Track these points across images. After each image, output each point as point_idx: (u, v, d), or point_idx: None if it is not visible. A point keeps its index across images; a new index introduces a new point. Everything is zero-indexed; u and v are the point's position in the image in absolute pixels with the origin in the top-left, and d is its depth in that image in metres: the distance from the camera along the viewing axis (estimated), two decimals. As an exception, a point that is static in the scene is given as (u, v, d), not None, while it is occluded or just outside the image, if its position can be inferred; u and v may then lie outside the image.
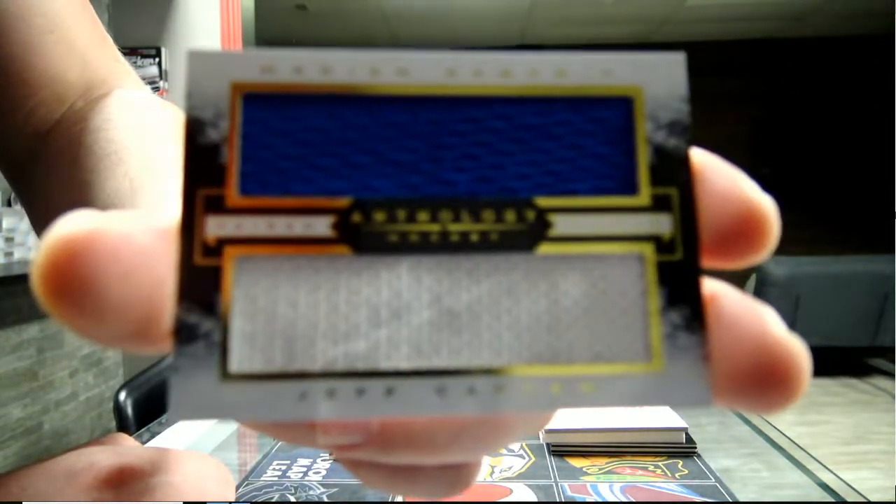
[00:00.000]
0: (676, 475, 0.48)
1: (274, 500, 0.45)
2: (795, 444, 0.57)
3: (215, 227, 0.12)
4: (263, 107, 0.13)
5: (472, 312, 0.12)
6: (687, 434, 0.53)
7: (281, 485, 0.47)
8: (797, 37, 4.33)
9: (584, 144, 0.13)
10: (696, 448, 0.53)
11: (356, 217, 0.12)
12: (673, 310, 0.12)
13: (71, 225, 0.11)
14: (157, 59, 2.04)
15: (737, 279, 3.94)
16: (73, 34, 0.33)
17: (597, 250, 0.13)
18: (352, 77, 0.13)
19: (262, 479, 0.49)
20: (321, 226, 0.12)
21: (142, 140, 0.26)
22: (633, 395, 0.12)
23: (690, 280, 0.12)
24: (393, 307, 0.12)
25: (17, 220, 1.72)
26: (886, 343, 2.95)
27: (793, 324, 2.98)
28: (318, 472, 0.49)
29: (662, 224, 0.13)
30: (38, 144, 0.32)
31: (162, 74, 2.04)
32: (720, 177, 0.13)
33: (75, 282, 0.11)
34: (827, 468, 0.52)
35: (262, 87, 0.13)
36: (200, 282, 0.12)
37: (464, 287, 0.13)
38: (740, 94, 4.44)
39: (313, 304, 0.12)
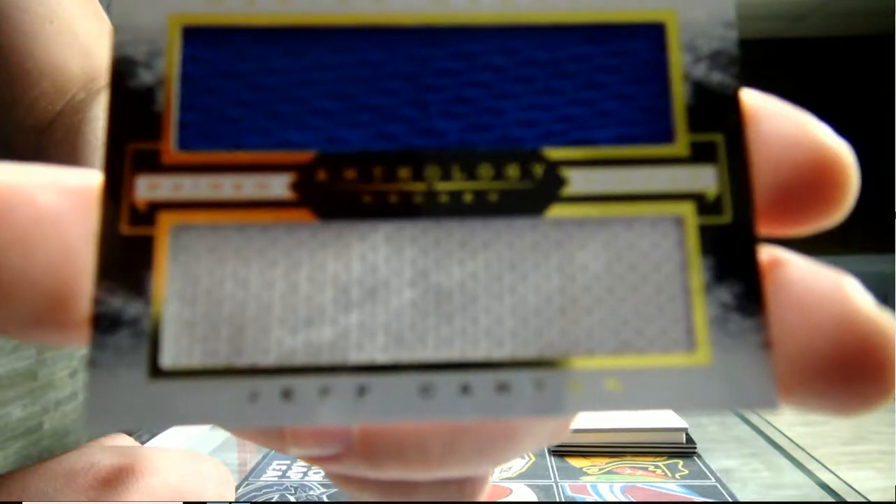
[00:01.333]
0: (677, 475, 0.48)
1: (274, 500, 0.45)
2: (795, 444, 0.57)
3: (147, 188, 0.10)
4: (209, 43, 0.11)
5: (466, 292, 0.10)
6: (687, 434, 0.53)
7: (281, 485, 0.47)
8: (797, 37, 4.33)
9: (605, 83, 0.11)
10: (696, 448, 0.53)
11: (321, 174, 0.10)
12: (721, 286, 0.10)
13: None
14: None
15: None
16: (75, 24, 0.33)
17: (623, 212, 0.10)
18: (316, 6, 0.11)
19: (261, 479, 0.49)
20: (278, 186, 0.10)
21: None
22: (672, 394, 0.10)
23: (744, 247, 0.10)
24: (367, 286, 0.10)
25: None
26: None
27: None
28: (319, 473, 0.49)
29: (705, 178, 0.10)
30: (40, 136, 0.32)
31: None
32: (780, 118, 0.10)
33: None
34: (827, 468, 0.52)
35: (208, 20, 0.11)
36: (127, 255, 0.10)
37: (456, 260, 0.10)
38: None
39: (268, 284, 0.10)
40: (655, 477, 0.48)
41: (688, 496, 0.44)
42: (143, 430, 0.10)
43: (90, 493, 0.22)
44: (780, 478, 0.51)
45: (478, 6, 0.11)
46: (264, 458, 0.52)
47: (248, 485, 0.47)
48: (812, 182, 0.10)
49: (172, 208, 0.10)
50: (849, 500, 0.47)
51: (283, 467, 0.50)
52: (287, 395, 0.10)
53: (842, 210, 0.10)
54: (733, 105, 0.11)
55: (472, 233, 0.10)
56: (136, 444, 0.25)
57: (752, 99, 0.11)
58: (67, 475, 0.22)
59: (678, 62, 0.11)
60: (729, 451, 0.56)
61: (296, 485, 0.47)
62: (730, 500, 0.44)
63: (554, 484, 0.47)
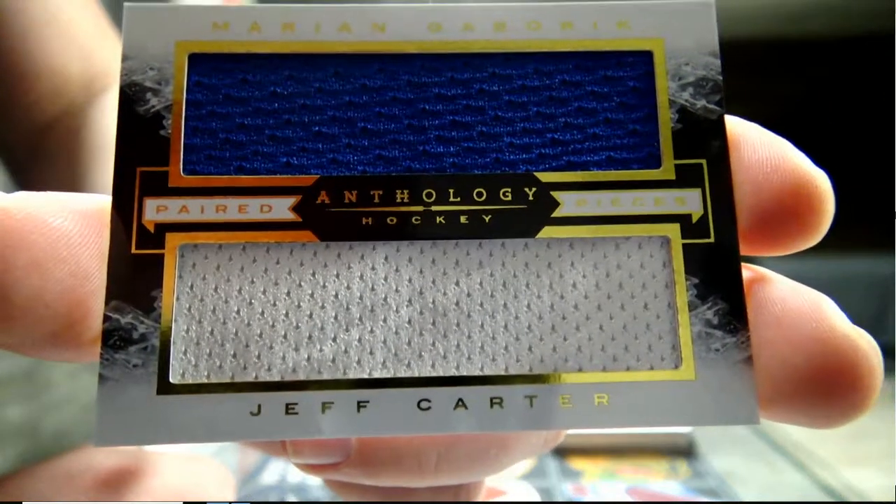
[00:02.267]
0: (678, 476, 0.48)
1: (273, 501, 0.45)
2: (796, 444, 0.57)
3: (155, 210, 0.10)
4: (215, 70, 0.11)
5: (461, 309, 0.11)
6: (689, 436, 0.53)
7: (280, 487, 0.47)
8: (796, 36, 4.33)
9: (595, 109, 0.12)
10: (697, 449, 0.53)
11: (322, 197, 0.11)
12: (706, 304, 0.11)
13: None
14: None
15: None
16: (74, 27, 0.33)
17: (611, 233, 0.11)
18: (318, 35, 0.11)
19: (261, 481, 0.49)
20: (281, 208, 0.11)
21: None
22: (658, 410, 0.10)
23: (727, 267, 0.11)
24: (366, 304, 0.11)
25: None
26: (887, 343, 2.95)
27: (793, 324, 2.99)
28: (318, 474, 0.49)
29: (690, 201, 0.11)
30: (38, 138, 0.32)
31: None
32: (760, 145, 0.11)
33: None
34: (827, 468, 0.52)
35: (214, 47, 0.11)
36: (136, 275, 0.10)
37: (451, 279, 0.11)
38: (740, 94, 4.44)
39: (271, 302, 0.11)
40: (657, 478, 0.48)
41: (690, 497, 0.44)
42: (152, 445, 0.10)
43: (90, 495, 0.22)
44: (781, 478, 0.51)
45: (472, 35, 0.11)
46: (264, 459, 0.52)
47: (247, 486, 0.47)
48: (790, 206, 0.11)
49: (179, 229, 0.10)
50: (849, 500, 0.47)
51: (283, 469, 0.50)
52: (290, 409, 0.10)
53: (818, 233, 0.11)
54: (717, 131, 0.11)
55: (466, 253, 0.11)
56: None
57: (735, 125, 0.11)
58: (67, 476, 0.22)
59: (665, 89, 0.11)
60: (730, 452, 0.56)
61: (295, 487, 0.47)
62: (731, 500, 0.44)
63: (555, 485, 0.47)
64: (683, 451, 0.52)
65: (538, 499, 0.44)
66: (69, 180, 0.27)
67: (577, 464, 0.50)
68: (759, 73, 4.58)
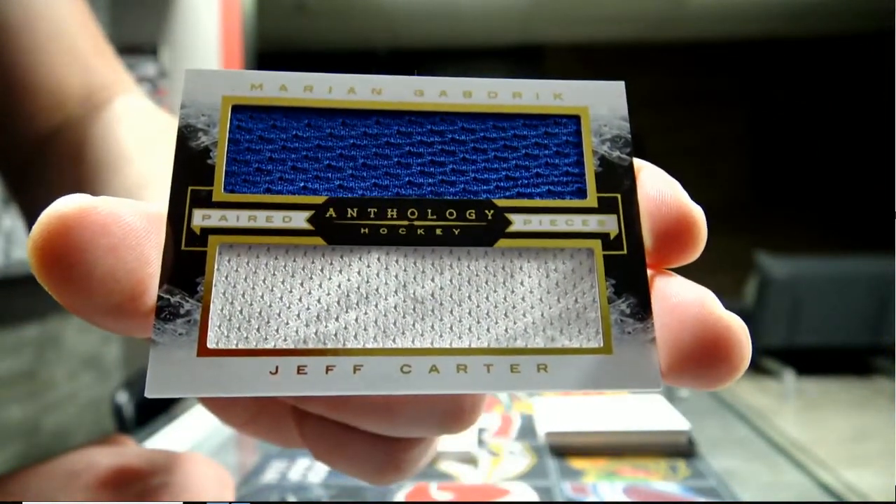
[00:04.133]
0: (678, 476, 0.48)
1: (273, 501, 0.45)
2: (795, 444, 0.57)
3: (201, 218, 0.13)
4: (251, 118, 0.14)
5: (436, 299, 0.13)
6: (689, 436, 0.53)
7: (280, 486, 0.47)
8: (796, 36, 4.33)
9: (538, 155, 0.15)
10: (697, 449, 0.53)
11: (331, 212, 0.14)
12: (621, 299, 0.13)
13: (64, 203, 0.12)
14: (156, 59, 2.04)
15: (737, 280, 3.94)
16: (76, 42, 0.33)
17: (551, 245, 0.14)
18: (331, 95, 0.15)
19: (261, 480, 0.49)
20: (298, 219, 0.13)
21: (141, 151, 0.26)
22: (586, 377, 0.13)
23: (636, 272, 0.14)
24: (362, 292, 0.13)
25: (17, 220, 1.72)
26: (887, 343, 2.95)
27: (793, 324, 2.98)
28: (318, 474, 0.49)
29: (609, 224, 0.14)
30: (38, 151, 0.32)
31: (161, 74, 2.04)
32: (658, 184, 0.14)
33: (67, 252, 0.11)
34: (827, 468, 0.52)
35: (251, 101, 0.14)
36: (185, 266, 0.13)
37: (428, 276, 0.14)
38: (740, 93, 4.44)
39: (289, 289, 0.13)
40: (656, 478, 0.48)
41: (689, 497, 0.44)
42: (195, 396, 0.13)
43: (90, 494, 0.22)
44: (781, 478, 0.51)
45: (447, 99, 0.15)
46: (264, 459, 0.52)
47: (247, 486, 0.47)
48: (677, 230, 0.14)
49: (219, 233, 0.13)
50: (849, 500, 0.47)
51: (283, 469, 0.50)
52: (301, 370, 0.12)
53: (696, 250, 0.14)
54: (628, 173, 0.15)
55: (440, 257, 0.14)
56: (136, 445, 0.25)
57: (641, 169, 0.15)
58: (68, 475, 0.22)
59: (589, 142, 0.15)
60: (730, 452, 0.56)
61: (295, 486, 0.47)
62: (731, 500, 0.44)
63: (555, 484, 0.47)
64: (683, 451, 0.52)
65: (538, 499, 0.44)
66: (67, 193, 0.27)
67: (577, 464, 0.50)
68: (758, 73, 4.52)
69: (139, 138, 0.28)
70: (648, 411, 0.57)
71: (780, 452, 0.56)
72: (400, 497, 0.45)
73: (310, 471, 0.49)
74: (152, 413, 0.88)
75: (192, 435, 0.60)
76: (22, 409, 1.72)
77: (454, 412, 0.16)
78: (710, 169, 4.30)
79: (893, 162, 3.86)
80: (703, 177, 4.25)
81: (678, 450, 0.52)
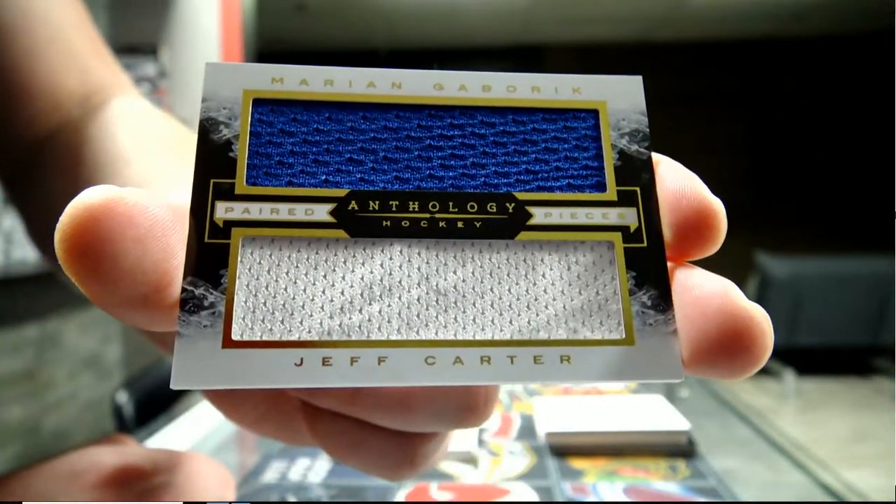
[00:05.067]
0: (678, 476, 0.48)
1: (273, 501, 0.45)
2: (795, 444, 0.57)
3: (224, 211, 0.13)
4: (272, 111, 0.14)
5: (458, 291, 0.13)
6: (689, 436, 0.53)
7: (280, 486, 0.47)
8: (796, 36, 4.33)
9: (557, 149, 0.15)
10: (697, 449, 0.53)
11: (353, 205, 0.14)
12: (642, 291, 0.13)
13: (91, 194, 0.12)
14: (156, 59, 2.04)
15: (737, 280, 3.93)
16: (74, 45, 0.33)
17: (571, 238, 0.14)
18: (351, 89, 0.15)
19: (261, 480, 0.49)
20: (320, 212, 0.13)
21: (139, 152, 0.26)
22: (609, 368, 0.13)
23: (656, 264, 0.14)
24: (385, 284, 0.13)
25: (17, 221, 1.72)
26: (887, 343, 2.95)
27: (793, 324, 2.98)
28: (318, 474, 0.49)
29: (629, 217, 0.14)
30: (36, 152, 0.32)
31: (161, 74, 2.04)
32: (677, 178, 0.14)
33: (94, 243, 0.11)
34: (827, 468, 0.52)
35: (272, 94, 0.14)
36: (208, 258, 0.13)
37: (450, 268, 0.14)
38: (740, 93, 4.44)
39: (312, 281, 0.13)
40: (656, 477, 0.48)
41: (689, 497, 0.44)
42: (220, 388, 0.13)
43: (93, 493, 0.22)
44: (781, 478, 0.51)
45: (466, 93, 0.15)
46: (264, 459, 0.52)
47: (247, 486, 0.47)
48: (696, 223, 0.14)
49: (242, 226, 0.13)
50: (849, 500, 0.47)
51: (283, 468, 0.50)
52: (326, 361, 0.12)
53: (716, 242, 0.14)
54: (646, 167, 0.15)
55: (462, 249, 0.14)
56: (137, 444, 0.25)
57: (659, 163, 0.15)
58: (70, 475, 0.22)
59: (608, 136, 0.15)
60: (730, 452, 0.56)
61: (295, 486, 0.47)
62: (731, 500, 0.44)
63: (555, 484, 0.47)
64: (683, 451, 0.52)
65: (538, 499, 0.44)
66: (66, 194, 0.27)
67: (577, 464, 0.50)
68: (758, 73, 4.52)
69: (137, 139, 0.27)
70: (648, 411, 0.57)
71: (780, 452, 0.56)
72: (400, 497, 0.45)
73: (310, 471, 0.49)
74: (152, 413, 0.88)
75: (192, 435, 0.60)
76: (22, 409, 1.72)
77: (470, 406, 0.16)
78: (710, 169, 4.29)
79: (893, 162, 3.85)
80: (703, 177, 4.24)
81: (678, 450, 0.52)
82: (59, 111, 0.32)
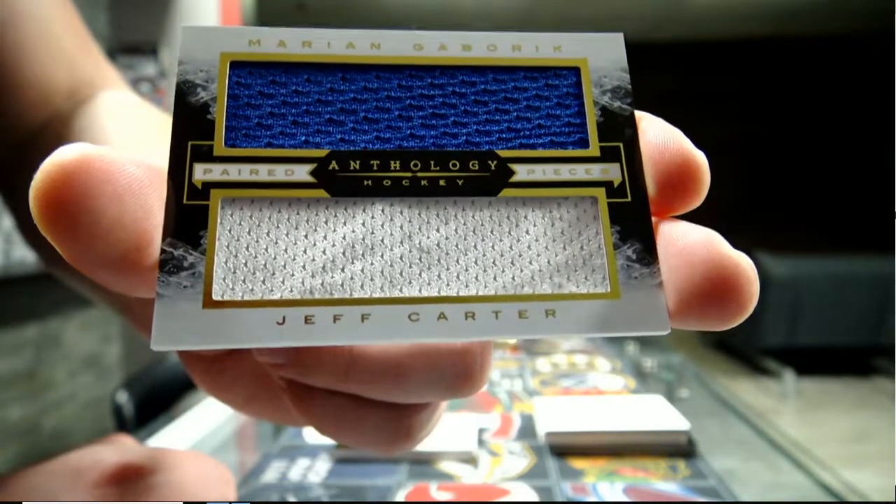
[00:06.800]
0: (678, 476, 0.48)
1: (273, 500, 0.45)
2: (795, 444, 0.57)
3: (203, 172, 0.13)
4: (250, 73, 0.14)
5: (441, 249, 0.13)
6: (688, 436, 0.53)
7: (280, 486, 0.47)
8: (795, 36, 4.33)
9: (539, 106, 0.15)
10: (697, 449, 0.53)
11: (333, 165, 0.13)
12: (626, 245, 0.13)
13: (66, 151, 0.11)
14: (156, 59, 2.04)
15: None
16: (62, 39, 0.33)
17: (554, 194, 0.14)
18: (330, 49, 0.14)
19: (261, 480, 0.49)
20: (301, 172, 0.13)
21: (127, 140, 0.26)
22: (594, 321, 0.13)
23: (640, 218, 0.14)
24: (367, 243, 0.13)
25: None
26: (887, 343, 2.95)
27: (793, 324, 2.98)
28: (318, 474, 0.49)
29: (612, 172, 0.14)
30: (25, 146, 0.32)
31: (161, 74, 2.04)
32: (660, 132, 0.14)
33: (72, 199, 0.11)
34: (827, 468, 0.52)
35: (250, 57, 0.14)
36: (187, 219, 0.12)
37: (433, 226, 0.13)
38: (739, 93, 4.44)
39: (293, 241, 0.13)
40: (656, 477, 0.48)
41: (689, 497, 0.44)
42: (201, 348, 0.13)
43: (97, 491, 0.22)
44: (781, 478, 0.51)
45: (447, 53, 0.15)
46: (264, 458, 0.52)
47: (247, 485, 0.47)
48: (680, 175, 0.14)
49: (221, 187, 0.13)
50: (849, 500, 0.47)
51: (283, 468, 0.50)
52: (308, 319, 0.12)
53: (700, 195, 0.14)
54: (629, 123, 0.14)
55: (445, 207, 0.14)
56: (137, 444, 0.25)
57: (641, 118, 0.15)
58: (74, 472, 0.22)
59: (590, 93, 0.15)
60: (730, 452, 0.56)
61: (295, 486, 0.47)
62: (731, 500, 0.44)
63: (554, 484, 0.47)
64: (683, 451, 0.52)
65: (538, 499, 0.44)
66: None
67: (577, 464, 0.50)
68: (759, 73, 4.51)
69: (124, 129, 0.27)
70: (648, 411, 0.57)
71: (780, 452, 0.56)
72: (400, 497, 0.45)
73: (310, 471, 0.49)
74: (152, 413, 0.88)
75: (191, 435, 0.61)
76: (22, 409, 1.72)
77: (465, 373, 0.16)
78: (709, 168, 4.29)
79: (894, 162, 3.85)
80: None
81: (678, 450, 0.52)
82: (48, 105, 0.32)
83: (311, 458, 0.52)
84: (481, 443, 0.55)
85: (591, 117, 0.15)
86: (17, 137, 0.32)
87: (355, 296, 0.13)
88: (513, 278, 0.13)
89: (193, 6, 2.07)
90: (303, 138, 0.14)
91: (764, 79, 4.45)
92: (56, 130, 0.31)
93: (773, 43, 4.37)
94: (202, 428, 0.62)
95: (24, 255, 1.73)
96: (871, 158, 4.34)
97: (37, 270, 1.66)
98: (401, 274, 0.13)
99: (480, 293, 0.13)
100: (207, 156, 0.13)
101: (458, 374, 0.16)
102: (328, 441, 0.54)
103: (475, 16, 3.83)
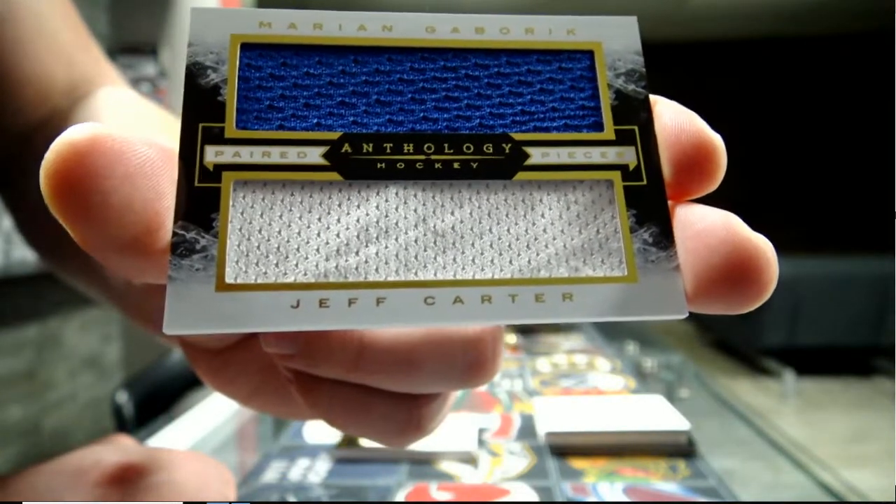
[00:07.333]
0: (678, 476, 0.48)
1: (273, 500, 0.45)
2: (795, 444, 0.57)
3: (214, 154, 0.13)
4: (260, 55, 0.14)
5: (456, 232, 0.13)
6: (688, 436, 0.53)
7: (280, 486, 0.47)
8: (795, 36, 4.33)
9: (553, 90, 0.15)
10: (697, 449, 0.53)
11: (346, 148, 0.13)
12: (643, 228, 0.13)
13: (77, 130, 0.11)
14: (156, 59, 2.04)
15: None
16: (60, 36, 0.33)
17: (570, 177, 0.14)
18: (341, 32, 0.14)
19: (261, 480, 0.49)
20: (313, 155, 0.13)
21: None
22: (611, 305, 0.13)
23: (657, 202, 0.13)
24: (381, 226, 0.13)
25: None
26: (887, 343, 2.95)
27: (793, 324, 2.98)
28: (318, 474, 0.49)
29: (627, 155, 0.14)
30: (23, 144, 0.32)
31: (161, 74, 2.04)
32: (675, 114, 0.14)
33: (83, 179, 0.11)
34: (827, 468, 0.52)
35: (260, 38, 0.14)
36: (199, 202, 0.12)
37: (448, 210, 0.13)
38: (739, 93, 4.44)
39: (306, 224, 0.13)
40: (656, 477, 0.48)
41: (689, 497, 0.44)
42: (213, 333, 0.12)
43: (97, 491, 0.22)
44: (781, 478, 0.52)
45: (459, 36, 0.15)
46: (264, 458, 0.52)
47: (247, 485, 0.47)
48: (696, 158, 0.13)
49: (233, 169, 0.13)
50: (849, 500, 0.47)
51: (283, 468, 0.50)
52: (323, 303, 0.12)
53: (715, 179, 0.13)
54: (644, 106, 0.14)
55: (459, 190, 0.14)
56: (137, 444, 0.25)
57: (656, 102, 0.14)
58: (75, 472, 0.22)
59: (604, 76, 0.15)
60: (730, 452, 0.56)
61: (295, 486, 0.47)
62: (731, 500, 0.44)
63: (555, 484, 0.47)
64: (683, 451, 0.52)
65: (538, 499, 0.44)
66: None
67: (577, 464, 0.50)
68: (758, 73, 4.52)
69: (123, 124, 0.27)
70: (648, 411, 0.57)
71: (780, 452, 0.56)
72: (400, 497, 0.45)
73: (310, 471, 0.49)
74: (152, 413, 0.88)
75: (191, 435, 0.61)
76: (22, 409, 1.72)
77: (477, 362, 0.16)
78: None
79: (894, 162, 3.85)
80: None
81: (678, 450, 0.52)
82: (46, 102, 0.32)
83: (311, 458, 0.52)
84: (481, 443, 0.55)
85: (606, 100, 0.14)
86: (15, 134, 0.32)
87: (370, 279, 0.12)
88: (529, 262, 0.13)
89: (193, 6, 2.07)
90: (315, 121, 0.14)
91: (764, 79, 4.45)
92: (55, 127, 0.30)
93: (773, 43, 4.37)
94: (202, 428, 0.62)
95: (24, 255, 1.73)
96: (871, 158, 4.34)
97: (37, 270, 1.66)
98: (416, 257, 0.13)
99: (496, 277, 0.13)
100: (219, 138, 0.13)
101: (470, 363, 0.16)
102: (328, 441, 0.54)
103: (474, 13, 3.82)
